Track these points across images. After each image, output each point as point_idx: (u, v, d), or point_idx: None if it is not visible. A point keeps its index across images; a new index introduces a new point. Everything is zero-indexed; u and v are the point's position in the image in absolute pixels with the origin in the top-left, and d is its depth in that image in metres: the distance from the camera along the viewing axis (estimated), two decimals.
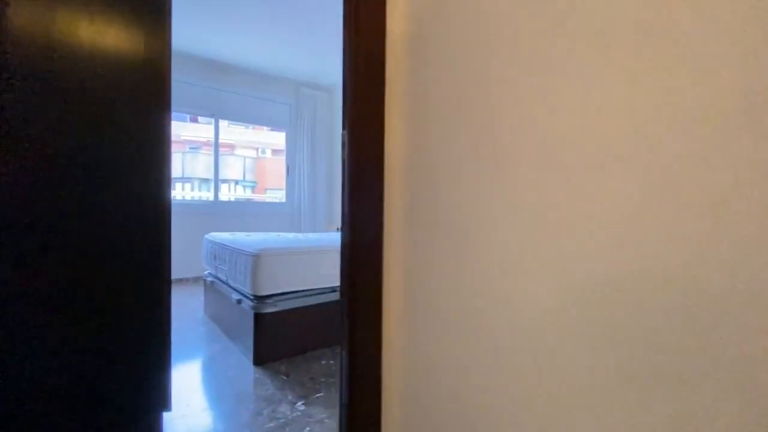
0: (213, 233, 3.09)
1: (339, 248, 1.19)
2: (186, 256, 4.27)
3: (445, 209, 0.93)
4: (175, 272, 4.22)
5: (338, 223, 5.07)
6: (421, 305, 1.00)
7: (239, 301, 2.22)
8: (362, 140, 1.08)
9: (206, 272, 2.98)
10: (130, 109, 1.27)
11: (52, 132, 1.12)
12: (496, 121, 0.80)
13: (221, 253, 2.58)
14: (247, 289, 2.12)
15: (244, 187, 16.06)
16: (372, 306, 1.11)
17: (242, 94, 4.74)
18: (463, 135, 0.88)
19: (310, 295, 2.27)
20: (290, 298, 2.19)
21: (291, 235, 3.24)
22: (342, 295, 1.12)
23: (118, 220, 1.24)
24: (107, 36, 1.22)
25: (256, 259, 2.09)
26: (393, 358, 1.10)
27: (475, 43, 0.85)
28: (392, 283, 1.10)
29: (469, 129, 0.86)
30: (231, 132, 19.38)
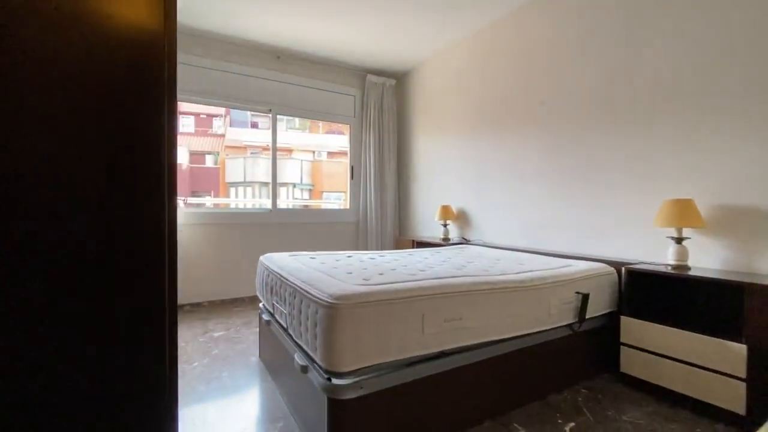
0: (269, 254, 2.41)
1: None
2: (242, 273, 3.71)
3: None
4: (230, 291, 3.74)
5: (415, 232, 4.27)
6: None
7: (304, 369, 1.48)
8: None
9: (261, 304, 2.32)
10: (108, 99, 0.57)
11: None
12: None
13: (279, 287, 1.87)
14: (317, 358, 1.37)
15: (302, 189, 15.85)
16: None
17: (301, 86, 4.11)
18: None
19: (422, 361, 1.47)
20: (390, 371, 1.40)
21: (386, 257, 2.47)
22: None
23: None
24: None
25: (332, 312, 1.32)
26: None
27: None
28: None
29: None
30: (288, 136, 19.42)
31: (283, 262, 2.11)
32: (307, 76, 4.13)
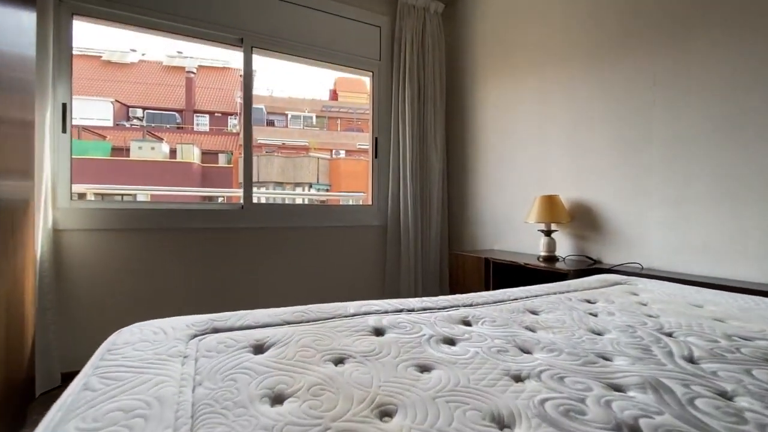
0: (135, 330, 0.79)
1: None
2: None
3: None
4: None
5: (484, 243, 2.61)
6: None
7: None
8: None
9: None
10: None
11: None
12: None
13: None
14: None
15: (318, 189, 14.30)
16: None
17: (294, 3, 2.52)
18: None
19: None
20: None
21: (458, 331, 0.81)
22: None
23: None
24: None
25: None
26: None
27: None
28: None
29: None
30: (304, 134, 18.00)
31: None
32: None
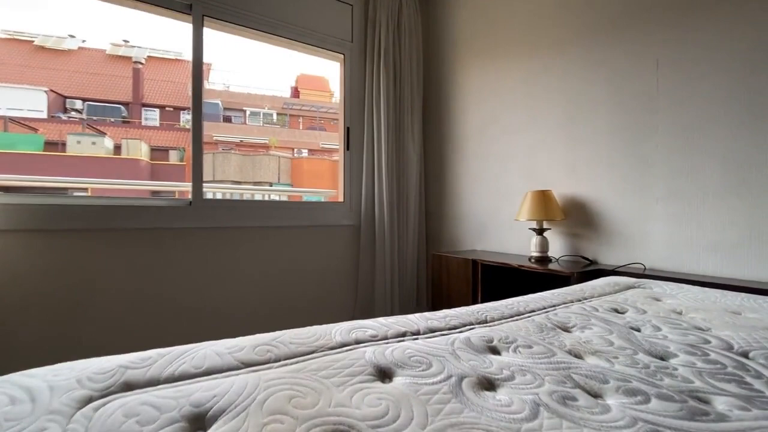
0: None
1: None
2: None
3: None
4: None
5: (469, 242, 2.40)
6: None
7: None
8: None
9: None
10: None
11: None
12: None
13: None
14: None
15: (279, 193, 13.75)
16: None
17: None
18: None
19: None
20: None
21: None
22: None
23: None
24: None
25: None
26: None
27: None
28: None
29: None
30: (265, 131, 17.35)
31: None
32: None
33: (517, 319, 0.94)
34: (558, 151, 1.99)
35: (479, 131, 2.43)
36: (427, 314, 0.93)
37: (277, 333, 0.72)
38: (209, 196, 3.16)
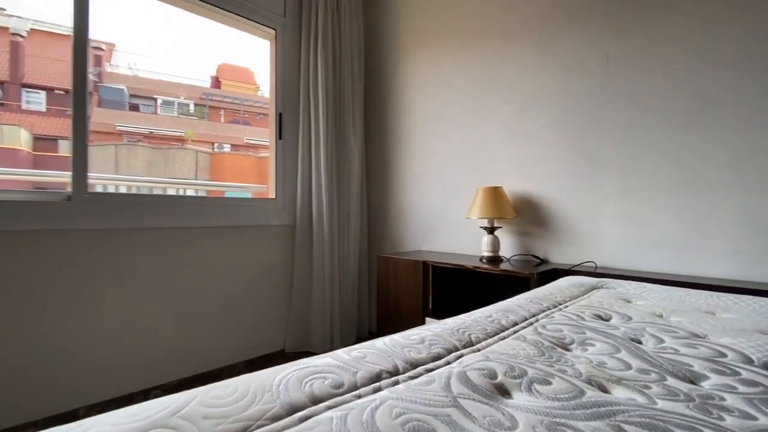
0: None
1: None
2: None
3: None
4: None
5: (417, 243, 2.23)
6: None
7: None
8: None
9: None
10: None
11: None
12: None
13: None
14: None
15: (196, 190, 12.54)
16: None
17: None
18: None
19: None
20: None
21: None
22: None
23: None
24: None
25: None
26: None
27: None
28: None
29: None
30: (180, 123, 15.85)
31: None
32: None
33: (505, 337, 0.77)
34: (508, 146, 1.92)
35: (425, 125, 2.28)
36: (397, 338, 0.71)
37: (185, 396, 0.44)
38: (107, 189, 2.58)
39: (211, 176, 13.36)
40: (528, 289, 1.49)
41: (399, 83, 2.41)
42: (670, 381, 0.58)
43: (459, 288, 1.87)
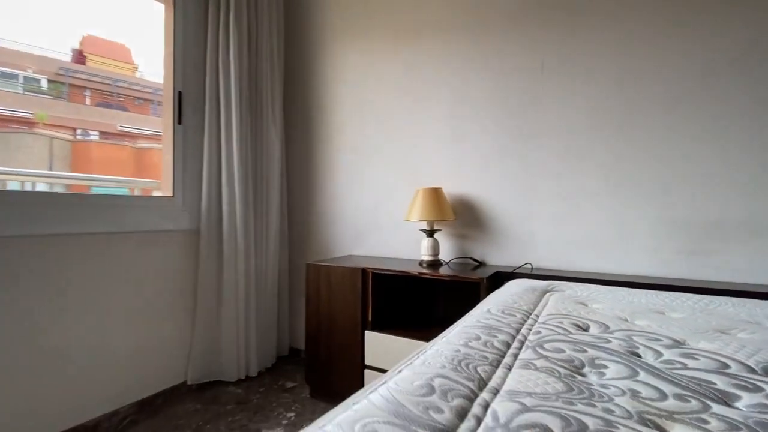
0: None
1: None
2: None
3: None
4: None
5: (347, 248, 2.04)
6: None
7: None
8: None
9: None
10: None
11: None
12: None
13: None
14: None
15: (51, 185, 10.36)
16: None
17: None
18: None
19: None
20: None
21: None
22: None
23: None
24: None
25: None
26: None
27: None
28: None
29: None
30: (27, 101, 13.09)
31: None
32: None
33: (510, 366, 0.65)
34: (444, 147, 1.86)
35: (355, 121, 2.10)
36: (396, 388, 0.53)
37: None
38: None
39: (73, 168, 11.08)
40: (476, 294, 1.43)
41: (326, 75, 2.19)
42: (715, 408, 0.52)
43: (400, 296, 1.74)
